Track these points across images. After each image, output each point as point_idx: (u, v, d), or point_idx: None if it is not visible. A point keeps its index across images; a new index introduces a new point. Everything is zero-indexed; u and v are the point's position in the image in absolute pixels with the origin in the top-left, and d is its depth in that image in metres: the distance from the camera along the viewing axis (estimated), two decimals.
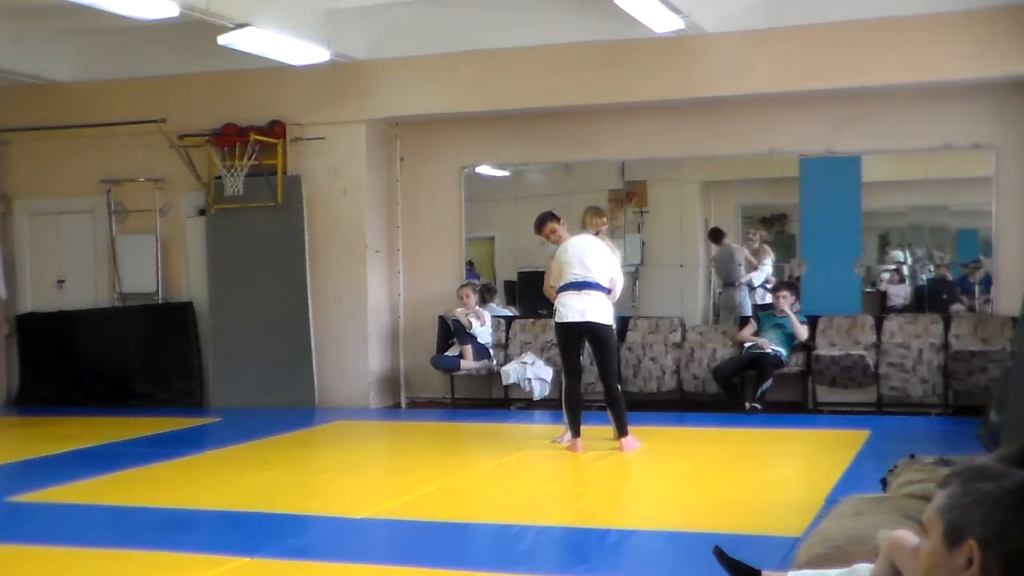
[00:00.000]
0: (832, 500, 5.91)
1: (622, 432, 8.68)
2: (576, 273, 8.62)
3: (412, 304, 12.29)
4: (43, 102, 12.57)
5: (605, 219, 9.31)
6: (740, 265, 11.90)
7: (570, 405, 8.73)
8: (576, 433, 8.70)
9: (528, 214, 12.80)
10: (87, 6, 8.70)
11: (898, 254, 11.84)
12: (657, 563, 5.76)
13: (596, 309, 8.58)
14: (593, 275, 8.62)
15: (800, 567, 3.72)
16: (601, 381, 8.88)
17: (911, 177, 11.72)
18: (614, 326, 8.92)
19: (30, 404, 12.64)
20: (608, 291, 8.70)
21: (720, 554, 4.24)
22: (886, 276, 11.76)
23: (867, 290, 11.55)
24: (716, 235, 12.11)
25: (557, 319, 8.69)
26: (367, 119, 11.82)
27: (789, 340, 10.90)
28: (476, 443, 10.03)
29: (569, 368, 8.76)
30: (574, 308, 8.57)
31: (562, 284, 8.67)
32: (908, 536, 2.85)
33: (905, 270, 11.72)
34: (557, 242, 8.95)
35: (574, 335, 8.68)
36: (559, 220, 9.11)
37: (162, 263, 12.56)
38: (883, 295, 11.70)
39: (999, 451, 1.90)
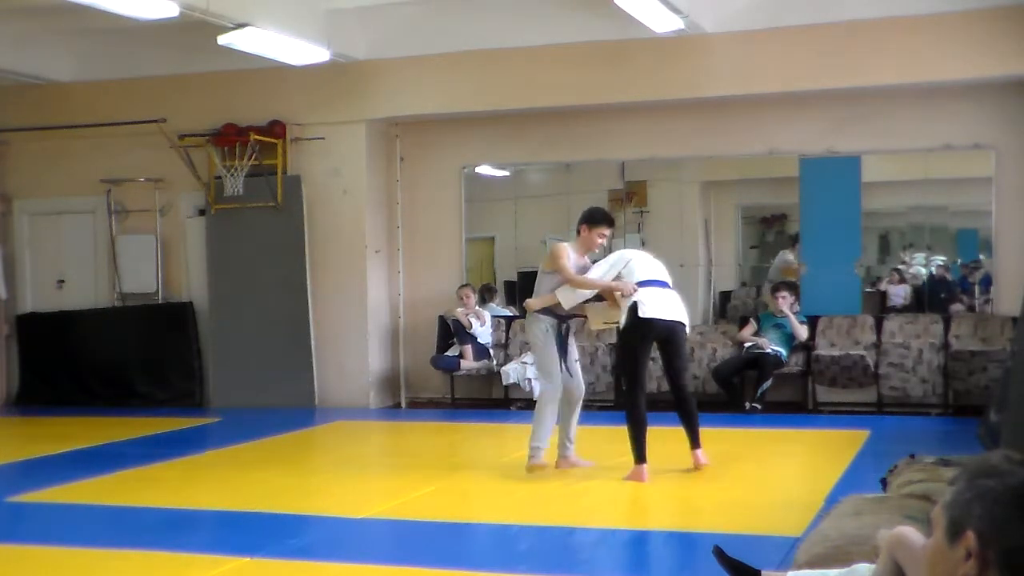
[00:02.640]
0: (832, 500, 5.90)
1: (698, 443, 7.66)
2: (648, 272, 7.61)
3: (412, 304, 12.29)
4: (43, 102, 12.56)
5: None
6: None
7: (636, 423, 7.44)
8: (642, 458, 7.43)
9: (528, 214, 12.89)
10: (87, 6, 8.69)
11: (917, 257, 11.74)
12: (657, 563, 5.76)
13: (682, 309, 7.57)
14: (662, 278, 7.64)
15: (800, 567, 3.72)
16: (675, 388, 7.70)
17: (911, 177, 11.71)
18: None
19: (30, 404, 12.64)
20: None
21: (720, 554, 4.24)
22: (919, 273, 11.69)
23: (867, 290, 11.55)
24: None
25: (640, 314, 7.32)
26: (367, 119, 11.82)
27: (789, 340, 10.90)
28: (476, 443, 10.02)
29: (637, 376, 7.50)
30: (661, 305, 7.42)
31: (640, 280, 7.52)
32: (911, 532, 2.84)
33: (922, 270, 11.66)
34: (593, 247, 7.87)
35: (654, 335, 7.50)
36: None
37: (162, 263, 12.56)
38: (883, 295, 11.70)
39: (1009, 453, 1.90)
